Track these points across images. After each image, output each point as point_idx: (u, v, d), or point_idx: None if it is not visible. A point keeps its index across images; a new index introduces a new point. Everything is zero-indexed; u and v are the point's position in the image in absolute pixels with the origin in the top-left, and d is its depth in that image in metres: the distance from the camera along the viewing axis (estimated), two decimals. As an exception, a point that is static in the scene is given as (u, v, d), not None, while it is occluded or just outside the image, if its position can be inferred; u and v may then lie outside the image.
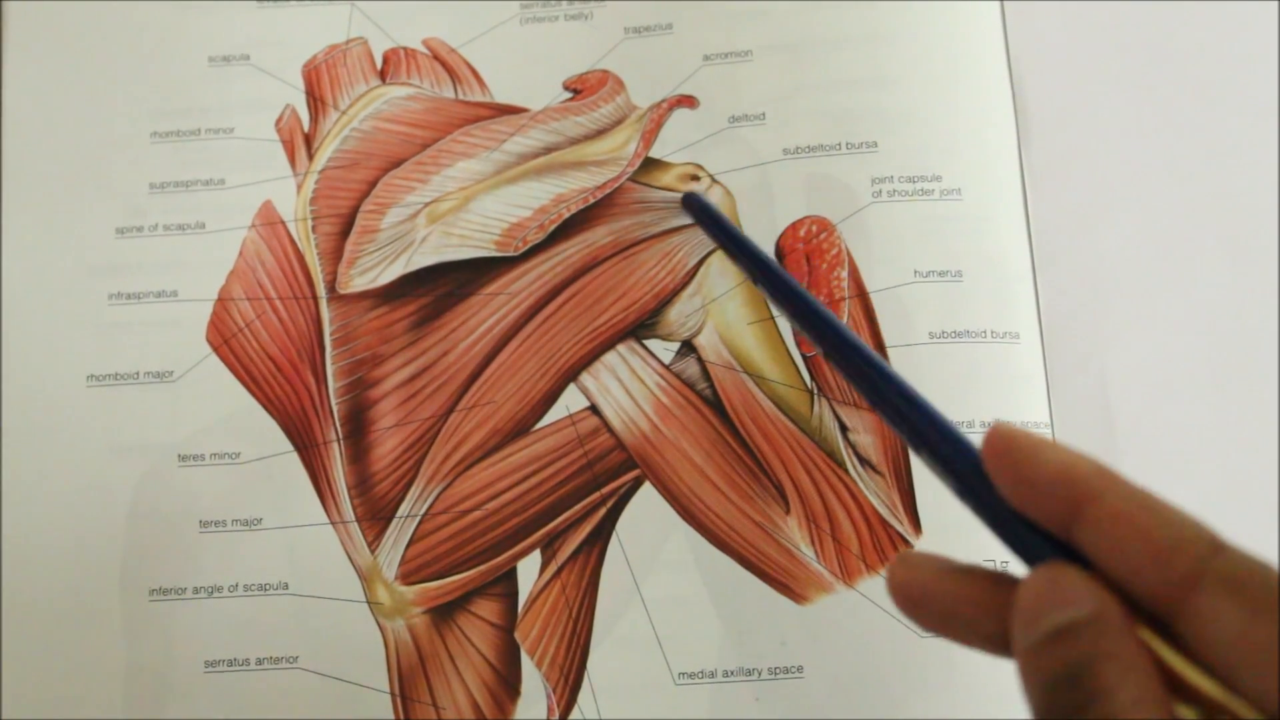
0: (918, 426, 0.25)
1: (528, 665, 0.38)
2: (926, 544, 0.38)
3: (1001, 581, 0.22)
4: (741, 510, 0.39)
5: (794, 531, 0.39)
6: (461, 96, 0.44)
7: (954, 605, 0.22)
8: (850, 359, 0.28)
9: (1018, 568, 0.23)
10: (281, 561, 0.39)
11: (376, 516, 0.39)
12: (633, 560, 0.39)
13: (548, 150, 0.43)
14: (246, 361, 0.41)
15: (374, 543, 0.39)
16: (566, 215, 0.42)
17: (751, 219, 0.42)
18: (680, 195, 0.42)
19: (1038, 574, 0.21)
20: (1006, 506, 0.22)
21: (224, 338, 0.41)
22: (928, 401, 0.25)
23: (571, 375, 0.41)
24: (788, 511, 0.39)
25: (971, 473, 0.23)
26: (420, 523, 0.39)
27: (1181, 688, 0.19)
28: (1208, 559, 0.19)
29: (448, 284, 0.41)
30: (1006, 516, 0.22)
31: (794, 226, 0.41)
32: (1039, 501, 0.21)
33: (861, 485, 0.39)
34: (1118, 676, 0.19)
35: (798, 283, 0.34)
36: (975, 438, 0.23)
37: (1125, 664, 0.19)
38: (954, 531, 0.38)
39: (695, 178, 0.42)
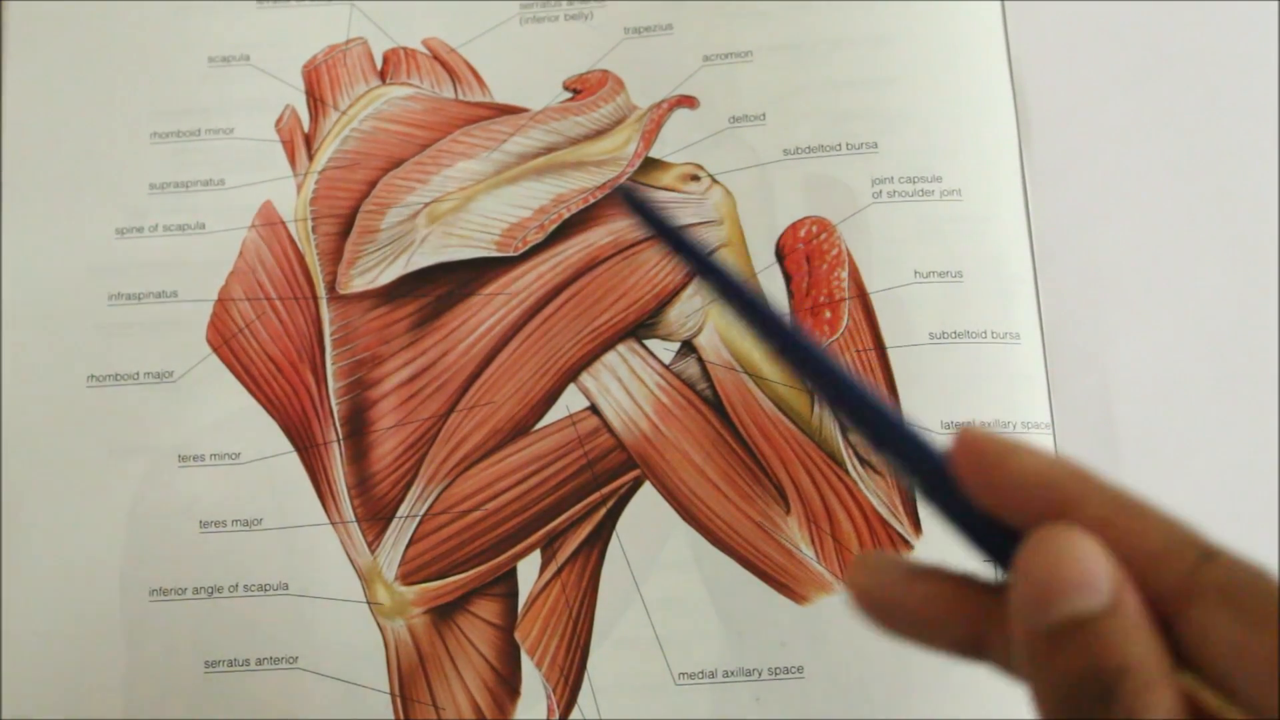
0: (878, 425, 0.22)
1: (528, 665, 0.38)
2: (927, 544, 0.38)
3: (970, 582, 0.21)
4: (741, 510, 0.39)
5: (794, 531, 0.39)
6: (461, 97, 0.44)
7: (921, 608, 0.21)
8: (804, 358, 0.25)
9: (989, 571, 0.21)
10: (281, 562, 0.39)
11: (376, 517, 0.39)
12: (633, 560, 0.39)
13: (548, 150, 0.43)
14: (246, 362, 0.41)
15: (374, 543, 0.39)
16: (566, 215, 0.42)
17: (751, 219, 0.42)
18: (622, 189, 0.39)
19: (1043, 540, 0.18)
20: (979, 510, 0.20)
21: (224, 338, 0.41)
22: (888, 403, 0.23)
23: (571, 375, 0.41)
24: (788, 511, 0.39)
25: (938, 473, 0.21)
26: (420, 523, 0.39)
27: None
28: (1200, 566, 0.18)
29: (448, 284, 0.41)
30: (979, 520, 0.20)
31: (794, 227, 0.41)
32: (1013, 508, 0.20)
33: (861, 485, 0.39)
34: (1148, 692, 0.17)
35: (745, 281, 0.31)
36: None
37: (1147, 673, 0.17)
38: (954, 532, 0.38)
39: (695, 177, 0.42)
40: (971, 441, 0.20)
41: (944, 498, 0.21)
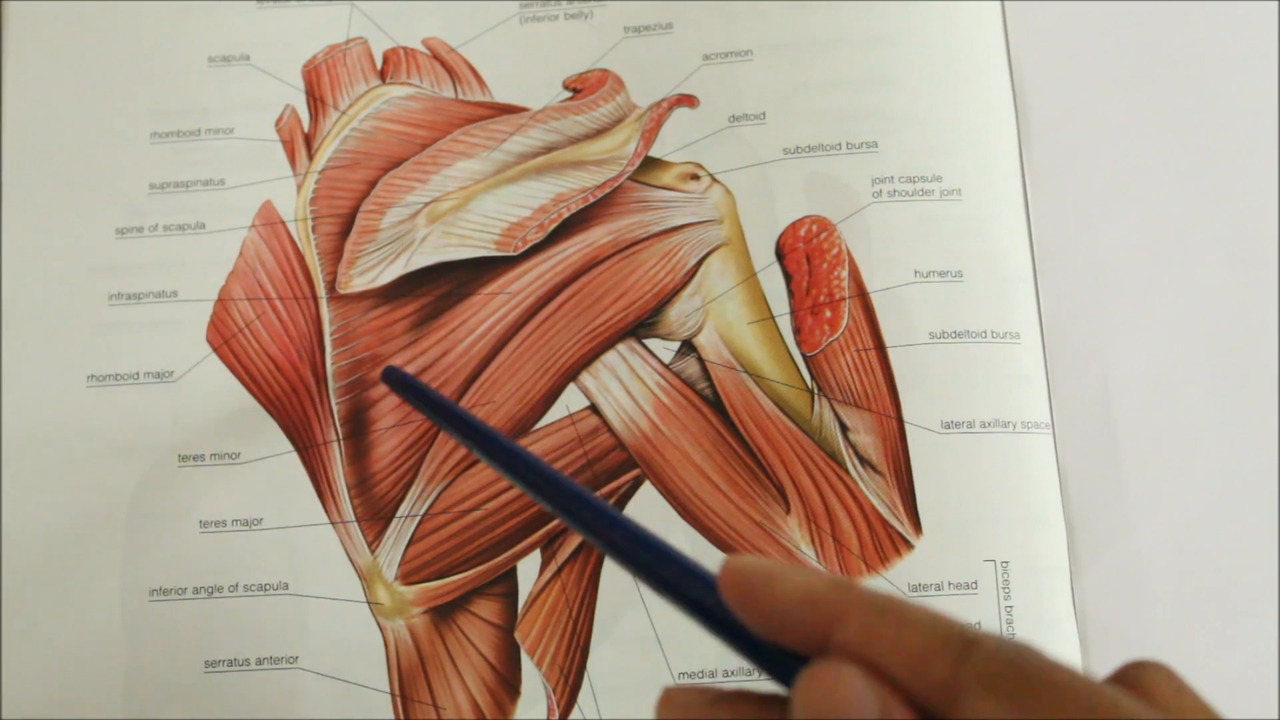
0: (655, 568, 0.23)
1: (528, 665, 0.38)
2: (926, 544, 0.38)
3: (771, 701, 0.21)
4: (741, 510, 0.39)
5: (794, 531, 0.39)
6: (461, 96, 0.44)
7: None
8: (578, 511, 0.26)
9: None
10: (281, 561, 0.39)
11: (376, 516, 0.39)
12: (633, 560, 0.39)
13: (547, 150, 0.43)
14: (246, 362, 0.41)
15: (374, 543, 0.39)
16: (566, 215, 0.42)
17: (751, 219, 0.42)
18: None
19: (811, 675, 0.20)
20: (757, 638, 0.21)
21: (224, 338, 0.41)
22: (662, 540, 0.24)
23: (571, 375, 0.41)
24: (788, 511, 0.39)
25: (716, 607, 0.22)
26: (420, 523, 0.39)
27: None
28: (963, 659, 0.19)
29: (447, 284, 0.41)
30: (760, 647, 0.21)
31: (794, 226, 0.41)
32: (789, 629, 0.21)
33: (861, 485, 0.39)
34: None
35: (518, 446, 0.31)
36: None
37: None
38: (954, 531, 0.38)
39: (695, 177, 0.42)
40: (735, 573, 0.21)
41: (723, 628, 0.22)
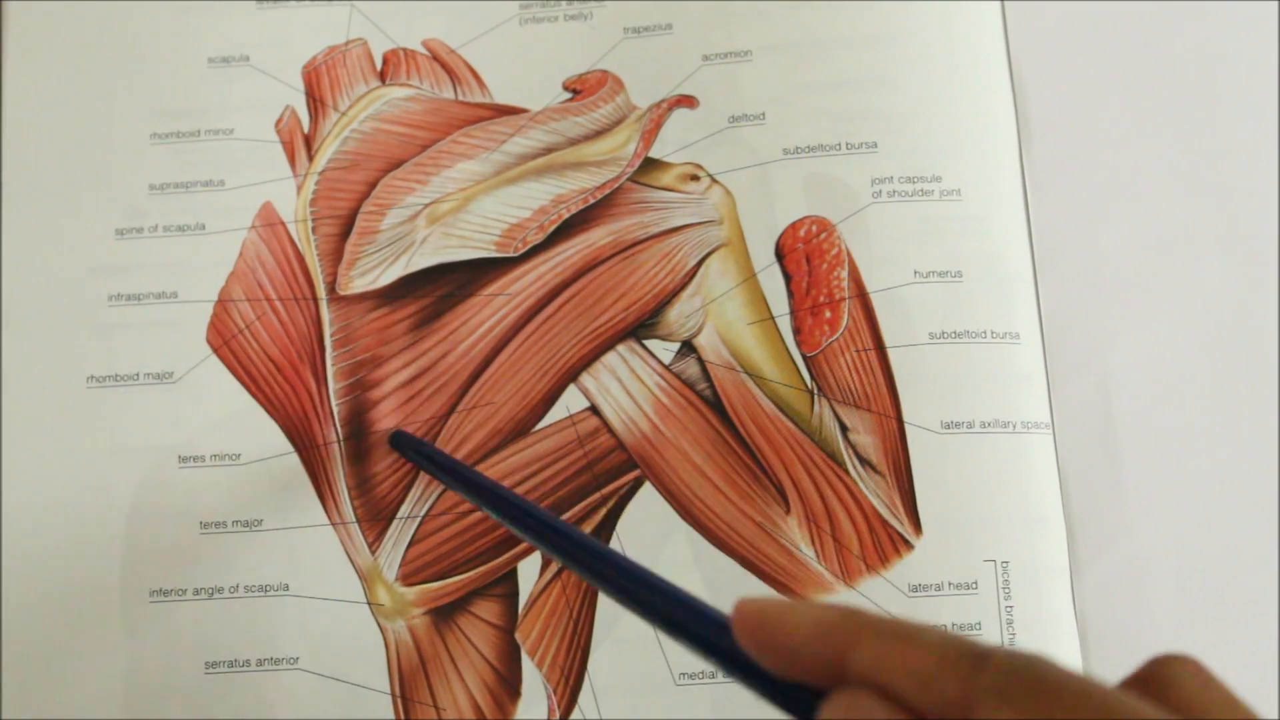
0: (674, 616, 0.24)
1: (528, 666, 0.38)
2: (926, 543, 0.38)
3: None
4: (741, 510, 0.39)
5: (794, 531, 0.39)
6: (461, 97, 0.44)
7: None
8: (595, 564, 0.27)
9: None
10: (282, 562, 0.39)
11: (377, 517, 0.39)
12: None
13: (547, 151, 0.43)
14: (247, 363, 0.41)
15: (374, 544, 0.39)
16: (566, 216, 0.42)
17: (751, 219, 0.42)
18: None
19: (834, 707, 0.20)
20: (774, 676, 0.22)
21: (224, 339, 0.41)
22: (677, 587, 0.24)
23: (571, 376, 0.41)
24: (788, 511, 0.39)
25: (733, 649, 0.22)
26: (421, 523, 0.39)
27: None
28: (975, 674, 0.19)
29: (447, 285, 0.41)
30: (778, 685, 0.22)
31: (794, 226, 0.41)
32: (805, 664, 0.21)
33: (861, 485, 0.39)
34: None
35: (531, 504, 0.33)
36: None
37: None
38: (954, 531, 0.38)
39: (695, 177, 0.42)
40: (748, 615, 0.22)
41: (741, 669, 0.22)
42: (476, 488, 0.34)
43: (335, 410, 0.40)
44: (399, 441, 0.39)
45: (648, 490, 0.39)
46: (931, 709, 0.19)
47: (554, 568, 0.39)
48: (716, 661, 0.23)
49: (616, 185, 0.42)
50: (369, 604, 0.39)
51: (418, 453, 0.38)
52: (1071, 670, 0.19)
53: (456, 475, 0.36)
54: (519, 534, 0.31)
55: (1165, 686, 0.20)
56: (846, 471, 0.39)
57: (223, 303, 0.41)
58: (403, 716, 0.38)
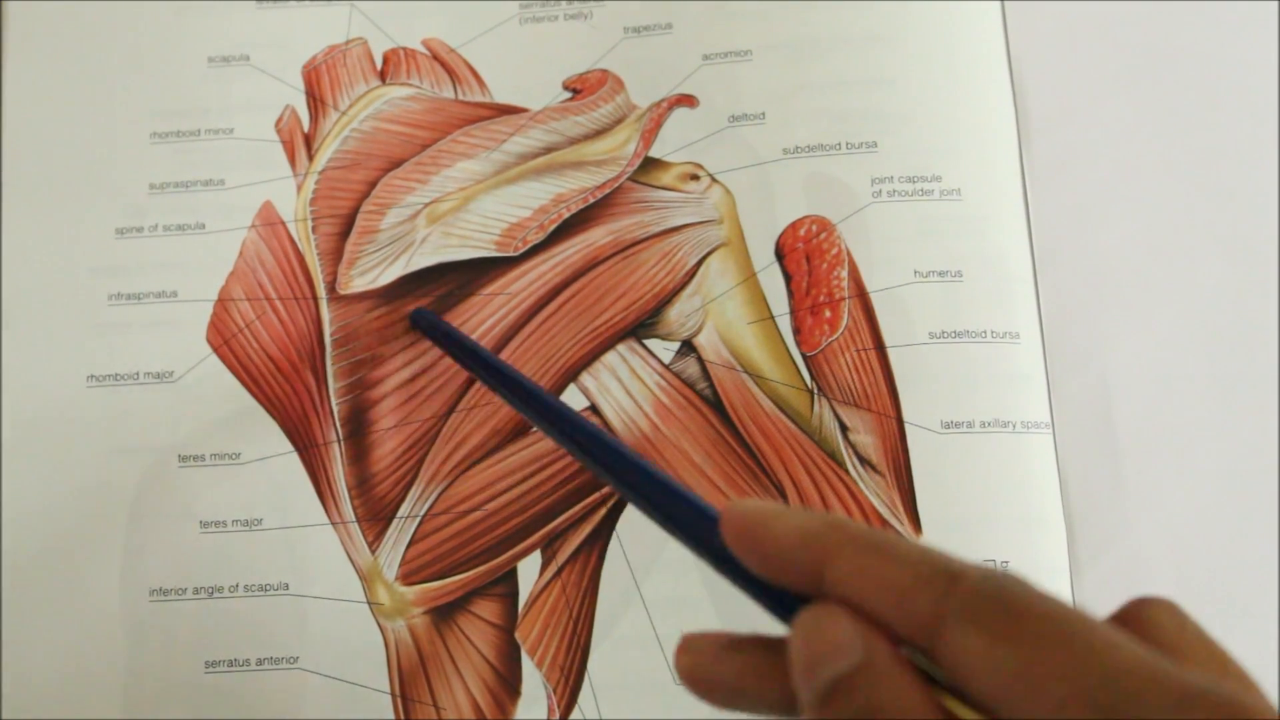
0: (667, 507, 0.24)
1: (528, 665, 0.38)
2: (926, 543, 0.38)
3: (776, 646, 0.22)
4: (741, 510, 0.39)
5: (794, 531, 0.39)
6: (461, 97, 0.44)
7: (738, 680, 0.22)
8: (595, 450, 0.27)
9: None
10: (282, 562, 0.39)
11: (377, 517, 0.39)
12: (633, 560, 0.39)
13: (547, 150, 0.43)
14: (247, 362, 0.41)
15: (374, 543, 0.39)
16: (566, 215, 0.42)
17: (751, 219, 0.42)
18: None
19: (803, 621, 0.20)
20: (758, 578, 0.22)
21: (224, 338, 0.41)
22: (676, 481, 0.25)
23: (571, 375, 0.41)
24: (788, 511, 0.39)
25: (722, 548, 0.22)
26: (420, 523, 0.39)
27: None
28: (947, 592, 0.19)
29: (448, 284, 0.41)
30: (764, 587, 0.22)
31: (794, 226, 0.41)
32: (786, 569, 0.21)
33: (861, 485, 0.39)
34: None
35: (541, 389, 0.33)
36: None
37: (905, 707, 0.19)
38: (954, 531, 0.38)
39: (695, 177, 0.42)
40: (735, 516, 0.22)
41: (729, 568, 0.22)
42: (494, 371, 0.34)
43: (335, 410, 0.40)
44: (420, 320, 0.40)
45: (648, 490, 0.39)
46: (903, 628, 0.19)
47: (554, 568, 0.39)
48: (708, 559, 0.23)
49: (616, 185, 0.42)
50: (369, 603, 0.39)
51: (437, 330, 0.39)
52: (1045, 592, 0.19)
53: (476, 357, 0.36)
54: (531, 419, 0.31)
55: (1143, 625, 0.20)
56: (846, 471, 0.39)
57: (223, 302, 0.41)
58: (402, 716, 0.38)
